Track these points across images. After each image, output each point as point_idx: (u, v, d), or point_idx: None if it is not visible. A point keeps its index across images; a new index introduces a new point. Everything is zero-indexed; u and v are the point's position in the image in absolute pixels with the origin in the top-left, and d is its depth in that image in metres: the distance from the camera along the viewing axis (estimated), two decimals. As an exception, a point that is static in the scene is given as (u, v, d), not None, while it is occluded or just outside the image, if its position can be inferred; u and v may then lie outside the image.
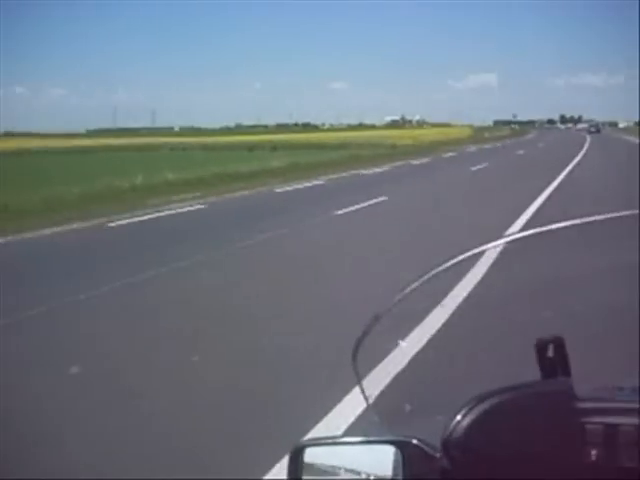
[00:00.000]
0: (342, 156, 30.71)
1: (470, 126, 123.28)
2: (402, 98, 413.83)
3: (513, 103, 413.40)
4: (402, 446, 0.84)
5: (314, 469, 0.87)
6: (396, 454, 0.84)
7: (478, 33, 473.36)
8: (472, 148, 43.91)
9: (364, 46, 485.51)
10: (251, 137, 72.65)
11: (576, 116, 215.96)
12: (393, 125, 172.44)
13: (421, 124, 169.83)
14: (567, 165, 23.02)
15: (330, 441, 0.95)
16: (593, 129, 78.65)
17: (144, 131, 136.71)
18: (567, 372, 0.89)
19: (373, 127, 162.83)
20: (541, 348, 0.89)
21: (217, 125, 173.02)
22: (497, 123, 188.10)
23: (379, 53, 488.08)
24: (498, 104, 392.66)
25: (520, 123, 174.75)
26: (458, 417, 0.83)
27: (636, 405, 0.82)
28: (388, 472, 0.85)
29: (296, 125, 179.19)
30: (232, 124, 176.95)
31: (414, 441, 0.84)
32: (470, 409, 0.84)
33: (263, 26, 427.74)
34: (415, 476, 0.83)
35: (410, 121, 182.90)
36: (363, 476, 0.86)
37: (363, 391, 1.16)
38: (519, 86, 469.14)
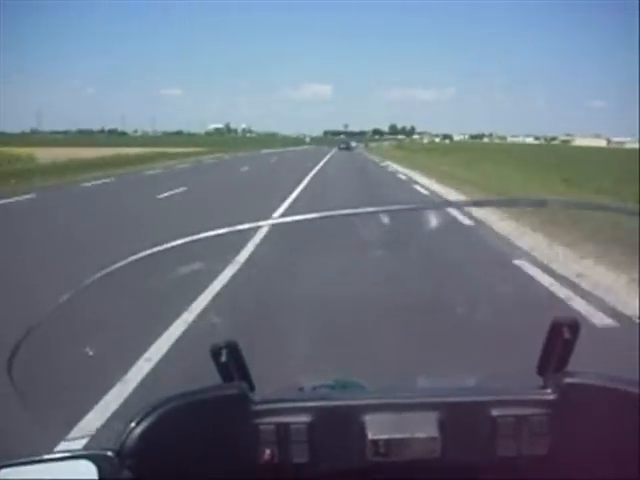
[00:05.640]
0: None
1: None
2: (227, 105, 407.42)
3: (346, 114, 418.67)
4: (96, 459, 0.80)
5: None
6: (93, 468, 0.79)
7: (315, 46, 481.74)
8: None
9: (200, 52, 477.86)
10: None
11: (408, 127, 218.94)
12: (215, 133, 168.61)
13: (246, 133, 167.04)
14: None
15: (24, 460, 0.82)
16: (343, 146, 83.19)
17: None
18: (244, 375, 0.89)
19: (193, 135, 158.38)
20: (216, 353, 0.88)
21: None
22: (327, 134, 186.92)
23: (216, 60, 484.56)
24: (331, 115, 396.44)
25: (350, 134, 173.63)
26: (132, 424, 0.82)
27: (307, 404, 0.86)
28: None
29: (102, 132, 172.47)
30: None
31: (109, 453, 0.81)
32: (143, 417, 0.82)
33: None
34: None
35: (235, 130, 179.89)
36: None
37: None
38: (353, 97, 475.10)
